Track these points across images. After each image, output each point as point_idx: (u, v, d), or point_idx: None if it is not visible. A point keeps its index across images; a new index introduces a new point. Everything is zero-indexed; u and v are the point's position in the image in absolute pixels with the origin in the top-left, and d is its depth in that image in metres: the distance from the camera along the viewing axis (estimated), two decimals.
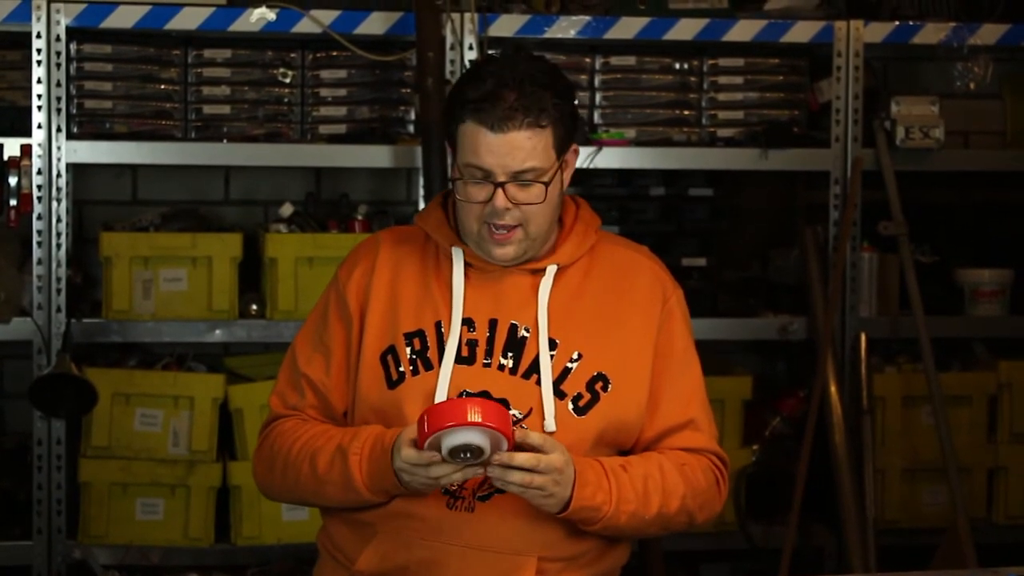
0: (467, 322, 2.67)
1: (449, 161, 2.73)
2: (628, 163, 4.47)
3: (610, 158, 4.44)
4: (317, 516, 2.83)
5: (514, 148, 2.60)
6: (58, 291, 4.22)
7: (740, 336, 4.62)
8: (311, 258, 4.32)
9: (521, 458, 2.49)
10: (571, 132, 2.68)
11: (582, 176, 4.58)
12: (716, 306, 4.55)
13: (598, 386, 2.67)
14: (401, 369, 2.66)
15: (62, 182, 4.22)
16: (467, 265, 2.71)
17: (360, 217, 4.47)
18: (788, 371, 4.92)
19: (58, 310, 4.21)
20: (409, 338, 2.68)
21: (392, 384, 2.67)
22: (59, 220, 4.22)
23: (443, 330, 2.67)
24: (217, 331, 4.32)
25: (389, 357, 2.68)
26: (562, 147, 2.66)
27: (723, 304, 4.56)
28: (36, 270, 4.21)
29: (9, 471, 4.42)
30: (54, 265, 4.22)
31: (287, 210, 4.47)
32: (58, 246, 4.22)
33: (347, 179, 4.80)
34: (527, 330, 2.67)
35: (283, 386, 2.79)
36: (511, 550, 2.61)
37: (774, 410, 4.63)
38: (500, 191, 2.61)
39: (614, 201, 4.67)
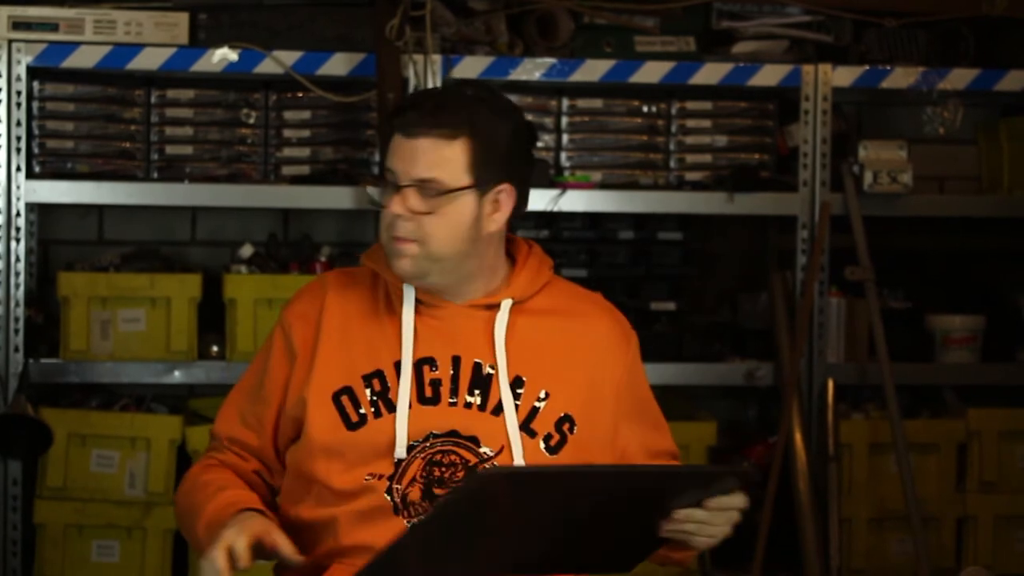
0: (429, 361, 2.61)
1: None
2: (594, 206, 4.44)
3: (576, 201, 4.40)
4: None
5: (419, 154, 2.53)
6: (16, 331, 4.20)
7: (706, 381, 4.56)
8: (270, 299, 4.28)
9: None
10: (503, 167, 2.58)
11: (551, 219, 4.56)
12: (682, 351, 4.50)
13: (565, 427, 2.62)
14: (362, 411, 2.60)
15: (21, 221, 4.20)
16: (419, 303, 2.64)
17: (323, 259, 4.44)
18: (759, 417, 4.87)
19: (16, 350, 4.19)
20: (368, 379, 2.61)
21: (352, 426, 2.60)
22: (18, 260, 4.21)
23: (403, 369, 2.61)
24: (176, 372, 4.29)
25: (344, 398, 2.61)
26: (482, 175, 2.56)
27: (689, 349, 4.51)
28: None
29: None
30: (12, 305, 4.20)
31: (247, 251, 4.44)
32: (16, 286, 4.20)
33: (315, 220, 4.76)
34: (492, 367, 2.61)
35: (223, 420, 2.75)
36: None
37: (743, 457, 4.57)
38: (396, 195, 2.55)
39: (583, 244, 4.63)
